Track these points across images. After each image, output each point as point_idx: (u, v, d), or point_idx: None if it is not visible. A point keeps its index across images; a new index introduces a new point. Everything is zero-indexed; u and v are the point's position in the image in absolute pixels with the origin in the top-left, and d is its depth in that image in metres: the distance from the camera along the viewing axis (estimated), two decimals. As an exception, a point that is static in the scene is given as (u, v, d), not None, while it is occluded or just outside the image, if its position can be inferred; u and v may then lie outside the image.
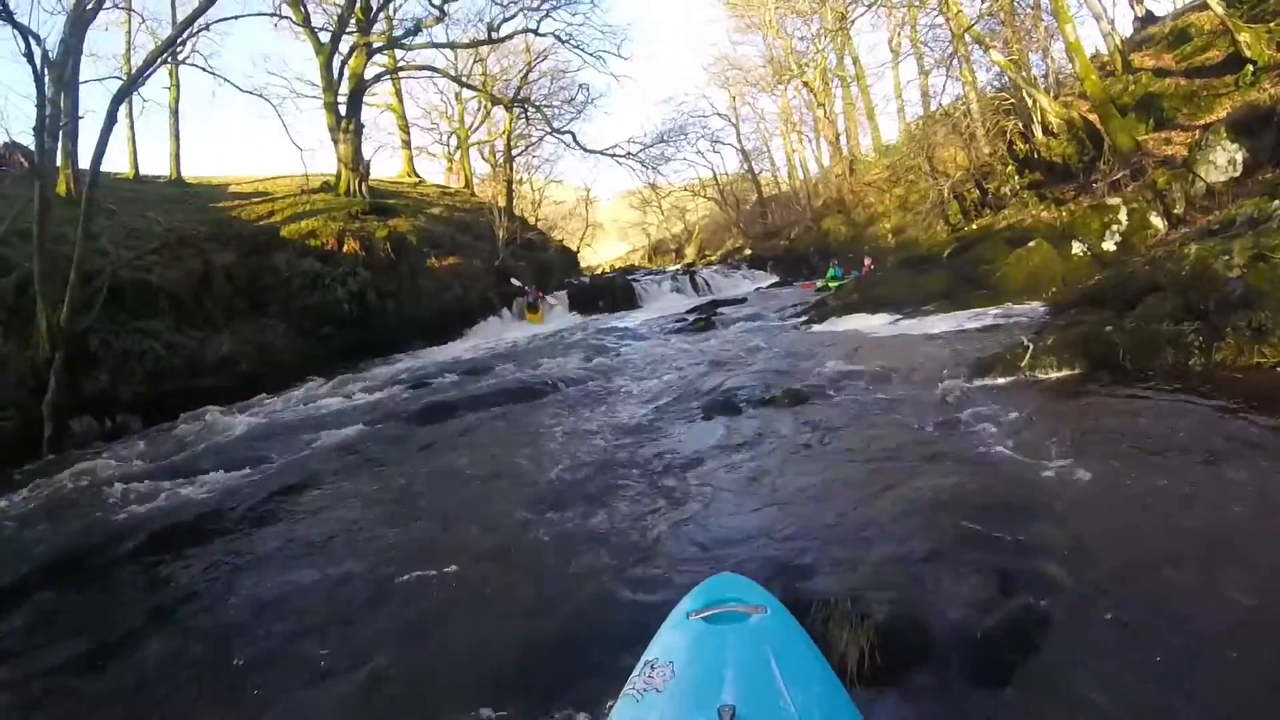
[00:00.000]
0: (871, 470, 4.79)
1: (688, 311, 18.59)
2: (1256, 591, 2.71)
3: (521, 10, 26.02)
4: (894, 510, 4.07)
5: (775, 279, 27.53)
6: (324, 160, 22.11)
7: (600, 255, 53.68)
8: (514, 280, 21.77)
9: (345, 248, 16.69)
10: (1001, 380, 6.32)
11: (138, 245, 12.73)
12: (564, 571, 3.92)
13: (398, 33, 23.56)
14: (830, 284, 19.07)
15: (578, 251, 36.71)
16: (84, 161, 13.60)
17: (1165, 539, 3.27)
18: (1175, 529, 3.33)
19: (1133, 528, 3.41)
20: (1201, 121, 13.30)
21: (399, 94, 30.59)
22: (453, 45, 26.48)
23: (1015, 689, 2.48)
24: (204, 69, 19.46)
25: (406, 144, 31.44)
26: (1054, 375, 6.17)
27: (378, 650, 3.31)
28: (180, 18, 19.25)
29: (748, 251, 36.23)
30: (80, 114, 13.17)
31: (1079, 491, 3.88)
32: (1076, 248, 10.81)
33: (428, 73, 28.15)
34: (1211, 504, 3.48)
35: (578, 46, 27.07)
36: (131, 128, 19.94)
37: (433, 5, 23.80)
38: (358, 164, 19.90)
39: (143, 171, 20.60)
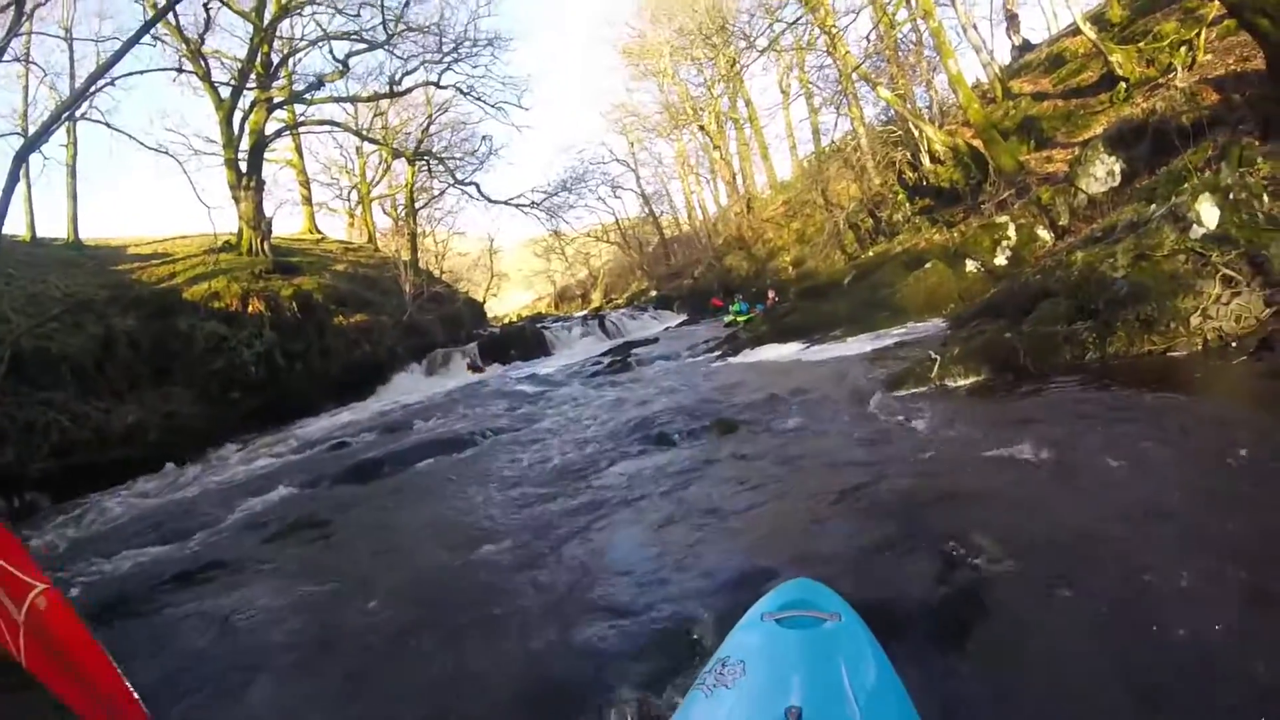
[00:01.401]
0: (811, 480, 5.01)
1: (602, 355, 18.60)
2: (1158, 550, 3.00)
3: (423, 64, 26.23)
4: (840, 510, 4.30)
5: (683, 317, 27.92)
6: (225, 219, 21.56)
7: (506, 305, 53.36)
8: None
9: (250, 308, 16.17)
10: (915, 391, 6.68)
11: (37, 312, 12.15)
12: (519, 617, 3.83)
13: (299, 87, 23.25)
14: (738, 319, 19.47)
15: (484, 302, 36.50)
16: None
17: (1081, 512, 3.54)
18: (1090, 503, 3.63)
19: (1051, 505, 3.71)
20: (1080, 138, 14.27)
21: (299, 149, 30.04)
22: (354, 99, 26.31)
23: (972, 650, 2.70)
24: (105, 125, 18.65)
25: (307, 200, 30.76)
26: (963, 382, 6.58)
27: None
28: (80, 72, 18.75)
29: (654, 292, 36.68)
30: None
31: (1000, 479, 4.18)
32: (970, 265, 11.38)
33: (328, 127, 27.78)
34: (1117, 477, 3.81)
35: (479, 98, 27.33)
36: (28, 187, 18.81)
37: (335, 59, 23.74)
38: (259, 222, 19.43)
39: (39, 233, 19.55)
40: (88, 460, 10.48)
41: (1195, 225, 5.97)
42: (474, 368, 20.96)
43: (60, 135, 19.61)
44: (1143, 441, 4.15)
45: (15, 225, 18.34)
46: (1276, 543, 2.91)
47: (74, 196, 20.53)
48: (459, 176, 31.12)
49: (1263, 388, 4.73)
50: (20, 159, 11.27)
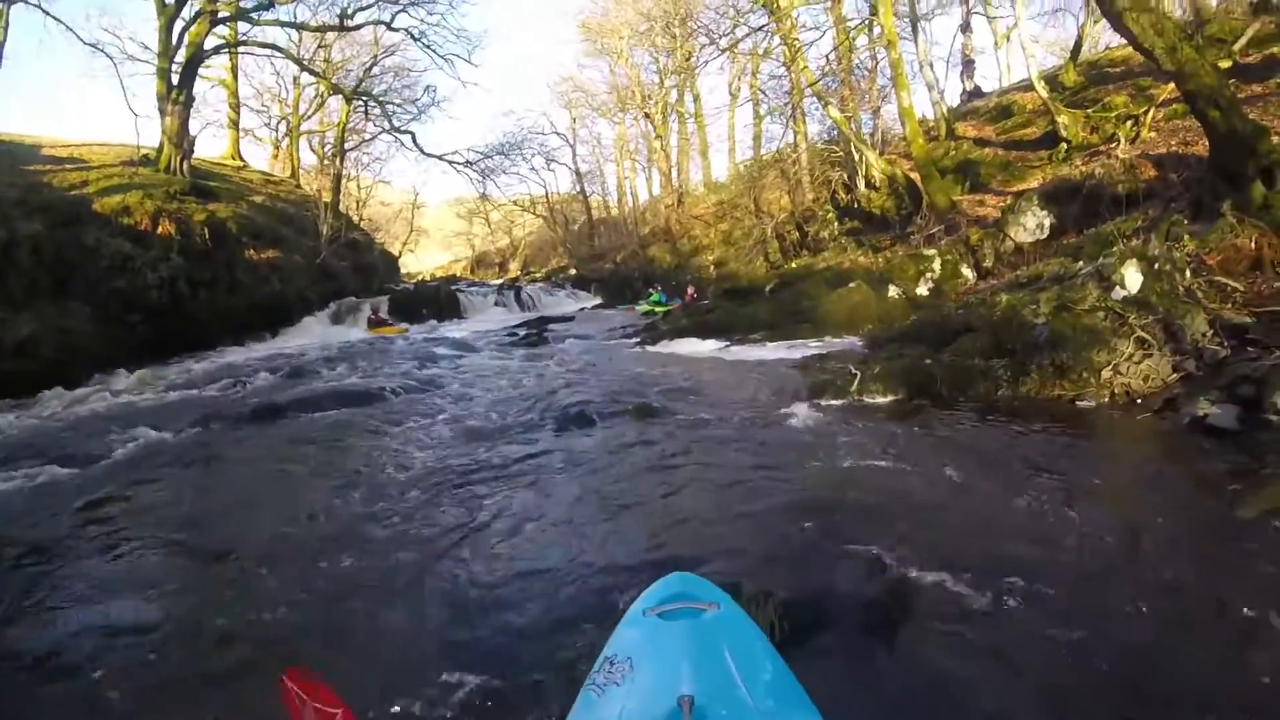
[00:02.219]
0: (731, 476, 5.14)
1: (516, 326, 18.59)
2: (1040, 561, 3.39)
3: (378, 1, 25.36)
4: (760, 509, 4.46)
5: (600, 300, 27.91)
6: (148, 133, 20.29)
7: (423, 263, 52.29)
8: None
9: (160, 229, 15.34)
10: (835, 402, 6.98)
11: (-63, 207, 11.25)
12: (403, 589, 3.80)
13: (247, 4, 21.91)
14: (656, 309, 19.71)
15: (400, 256, 35.75)
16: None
17: (980, 524, 3.99)
18: (988, 517, 4.07)
19: (956, 516, 4.12)
20: (1015, 188, 15.01)
21: (235, 70, 28.67)
22: (301, 26, 25.09)
23: (897, 640, 2.95)
24: (40, 10, 17.42)
25: (235, 124, 29.41)
26: (880, 400, 6.91)
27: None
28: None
29: (573, 271, 36.51)
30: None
31: (912, 492, 4.55)
32: (893, 290, 11.80)
33: (269, 51, 26.41)
34: (1016, 500, 4.20)
35: (429, 46, 26.56)
36: None
37: (290, -20, 22.59)
38: (183, 139, 18.46)
39: None
40: (-25, 372, 9.83)
41: (1118, 287, 6.40)
42: (377, 323, 19.98)
43: None
44: (1042, 475, 4.55)
45: None
46: (1152, 570, 3.33)
47: None
48: (395, 123, 30.33)
49: (1161, 443, 5.14)
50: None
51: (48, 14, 17.41)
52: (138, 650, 3.33)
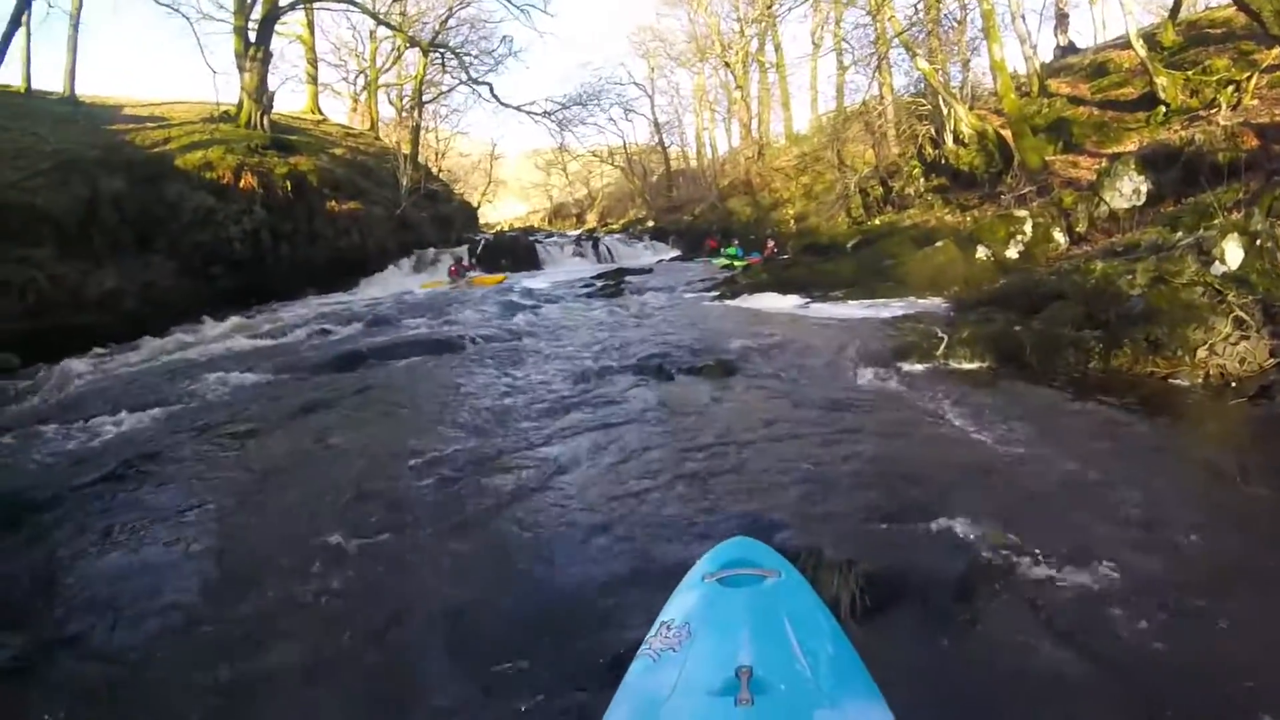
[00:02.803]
0: (807, 439, 5.01)
1: (594, 276, 18.48)
2: (1121, 548, 3.17)
3: (451, -49, 25.05)
4: (844, 475, 4.34)
5: (678, 253, 27.50)
6: (228, 89, 20.58)
7: (500, 213, 52.73)
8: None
9: (242, 183, 15.65)
10: (919, 366, 6.72)
11: (25, 166, 11.67)
12: (504, 536, 3.85)
13: None
14: (734, 263, 19.34)
15: (478, 207, 35.98)
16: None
17: (1063, 505, 3.74)
18: (1072, 498, 3.81)
19: (1038, 494, 3.90)
20: (1109, 151, 14.12)
21: (311, 26, 28.67)
22: (377, -22, 25.09)
23: (980, 616, 2.81)
24: None
25: (313, 79, 29.66)
26: (967, 366, 6.63)
27: (288, 622, 3.13)
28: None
29: (651, 223, 36.23)
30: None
31: (994, 466, 4.32)
32: (981, 251, 11.26)
33: (344, 6, 26.46)
34: (1102, 482, 3.96)
35: (504, -4, 26.32)
36: (28, 36, 17.73)
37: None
38: (261, 95, 18.74)
39: (35, 85, 18.41)
40: (62, 323, 10.22)
41: (1218, 262, 5.93)
42: (462, 271, 20.07)
43: None
44: (1132, 457, 4.33)
45: (11, 75, 17.64)
46: (1236, 565, 3.08)
47: (74, 49, 19.35)
48: (472, 74, 30.23)
49: (1255, 430, 4.80)
50: (23, 4, 10.63)
51: None
52: (220, 589, 3.50)
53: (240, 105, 18.96)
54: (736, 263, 19.27)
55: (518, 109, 30.87)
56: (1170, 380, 5.59)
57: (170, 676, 2.88)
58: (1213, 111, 12.89)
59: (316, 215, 17.73)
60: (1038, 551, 3.15)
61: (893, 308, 10.32)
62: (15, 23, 9.89)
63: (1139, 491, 3.78)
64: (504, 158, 43.20)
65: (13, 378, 8.66)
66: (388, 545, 3.78)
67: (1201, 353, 5.52)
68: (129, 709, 2.77)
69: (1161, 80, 14.52)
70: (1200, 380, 5.45)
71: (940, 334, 7.00)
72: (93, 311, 10.95)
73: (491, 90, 30.16)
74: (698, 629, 1.86)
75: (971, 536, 3.35)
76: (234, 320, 12.56)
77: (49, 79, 20.37)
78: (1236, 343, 5.41)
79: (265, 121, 18.77)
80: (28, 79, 18.23)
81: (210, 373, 8.04)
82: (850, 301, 11.21)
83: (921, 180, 18.22)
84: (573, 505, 4.15)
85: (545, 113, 31.29)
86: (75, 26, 19.51)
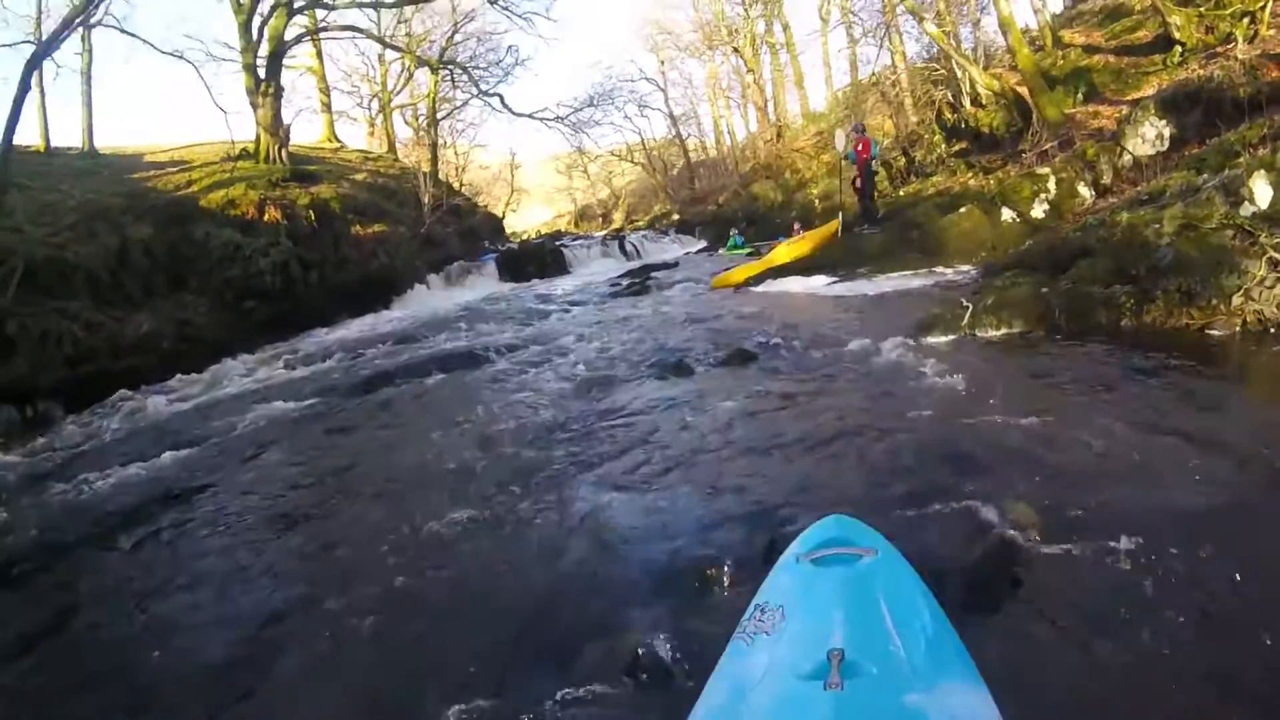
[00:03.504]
0: (834, 421, 4.93)
1: (620, 276, 18.48)
2: (1178, 509, 3.07)
3: (450, -31, 25.23)
4: (866, 456, 4.27)
5: (704, 243, 27.45)
6: (243, 126, 20.85)
7: (526, 221, 52.96)
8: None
9: (266, 217, 15.82)
10: (945, 338, 6.61)
11: (52, 221, 11.94)
12: (539, 547, 3.84)
13: None
14: (735, 251, 19.94)
15: (503, 217, 36.14)
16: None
17: (1107, 472, 3.55)
18: (1115, 464, 3.62)
19: (1080, 464, 3.69)
20: (1129, 97, 13.73)
21: (320, 56, 28.98)
22: (378, 4, 25.17)
23: (1005, 606, 2.70)
24: (119, 30, 18.16)
25: (327, 108, 29.99)
26: (994, 333, 6.50)
27: (341, 647, 3.15)
28: (93, -23, 18.13)
29: (676, 216, 36.22)
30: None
31: (1030, 435, 4.14)
32: (1006, 214, 11.03)
33: (350, 33, 26.48)
34: (1147, 443, 3.78)
35: (505, 7, 26.32)
36: (42, 96, 18.30)
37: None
38: (277, 129, 18.97)
39: (53, 143, 19.00)
40: (101, 369, 10.41)
41: (1247, 202, 5.70)
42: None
43: (74, 43, 18.85)
44: (1175, 417, 4.10)
45: (29, 135, 18.00)
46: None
47: (89, 105, 19.98)
48: (483, 87, 30.33)
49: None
50: (32, 67, 10.89)
51: (125, 32, 17.99)
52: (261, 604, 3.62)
53: (258, 141, 19.18)
54: (737, 251, 19.76)
55: (530, 116, 30.91)
56: (1207, 331, 5.41)
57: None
58: (1230, 46, 12.46)
59: (342, 241, 17.85)
60: (1080, 525, 3.03)
61: (920, 279, 10.20)
62: (25, 86, 10.12)
63: (1179, 450, 3.62)
64: (524, 166, 43.33)
65: (57, 427, 8.86)
66: (453, 548, 3.89)
67: (1237, 299, 5.32)
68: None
69: (1175, 19, 14.01)
70: (1238, 328, 5.26)
71: (965, 303, 6.84)
72: (131, 355, 11.12)
73: (503, 101, 30.26)
74: (791, 611, 1.83)
75: (1003, 515, 3.20)
76: (270, 350, 12.74)
77: (67, 135, 20.82)
78: (1272, 286, 5.18)
79: (284, 154, 18.98)
80: (46, 137, 18.70)
81: (249, 403, 8.22)
82: (877, 277, 11.03)
83: (943, 146, 17.97)
84: (597, 503, 4.17)
85: (558, 118, 31.31)
86: (88, 82, 20.03)
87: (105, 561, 4.57)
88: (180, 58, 18.28)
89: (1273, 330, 5.09)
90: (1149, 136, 10.83)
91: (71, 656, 3.45)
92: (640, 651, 2.69)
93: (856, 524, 2.21)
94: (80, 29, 17.16)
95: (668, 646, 2.70)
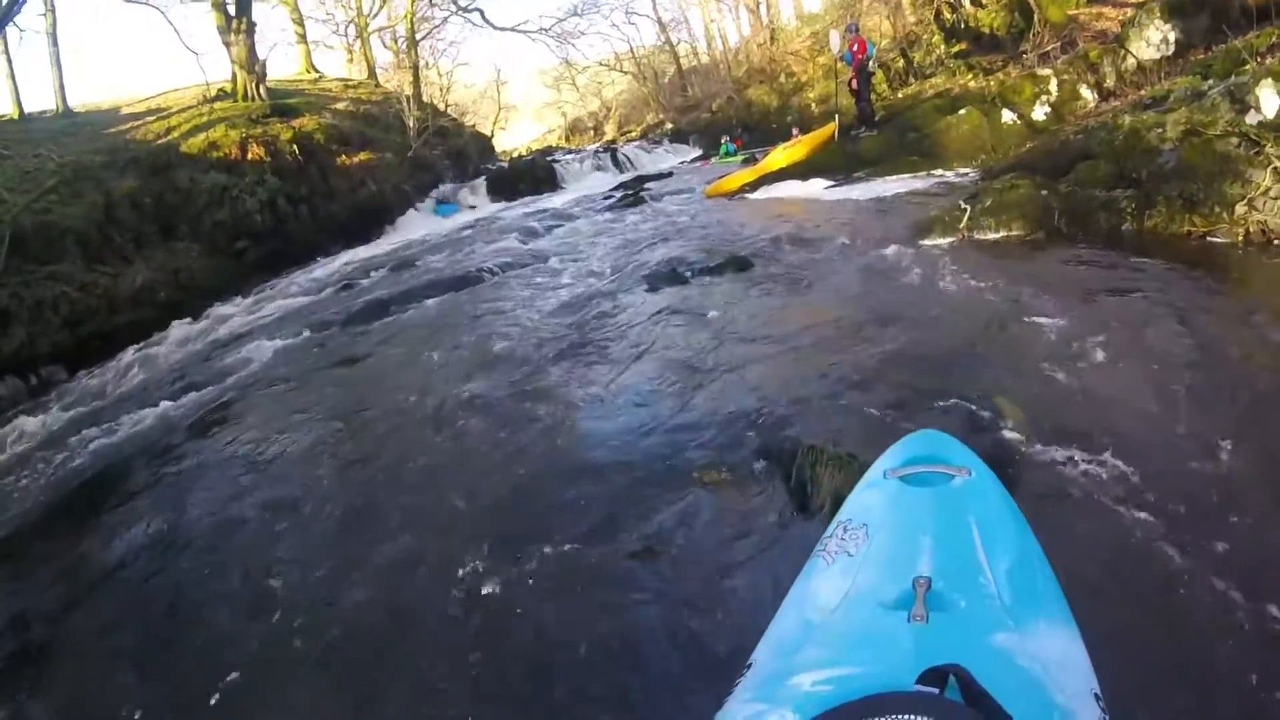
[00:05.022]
0: (827, 328, 4.99)
1: (614, 189, 18.24)
2: (1166, 415, 3.16)
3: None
4: (858, 361, 4.31)
5: (699, 151, 27.01)
6: (217, 67, 20.19)
7: (516, 139, 51.97)
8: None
9: (250, 156, 15.59)
10: (942, 241, 6.61)
11: (34, 187, 11.78)
12: (537, 453, 3.95)
13: None
14: (728, 158, 19.80)
15: (492, 136, 35.48)
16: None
17: (1107, 379, 3.61)
18: (1116, 370, 3.69)
19: (1079, 370, 3.74)
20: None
21: (291, -15, 28.19)
22: (348, -77, 24.29)
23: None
24: None
25: (302, 39, 28.79)
26: (992, 236, 6.49)
27: (347, 579, 3.23)
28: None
29: (669, 126, 35.47)
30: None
31: (1027, 340, 4.20)
32: (1007, 116, 10.80)
33: None
34: (1140, 349, 3.84)
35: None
36: (10, 63, 17.94)
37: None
38: (253, 65, 18.40)
39: (27, 108, 18.52)
40: (101, 328, 10.45)
41: (1253, 110, 5.52)
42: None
43: (36, 4, 18.52)
44: (1172, 324, 4.10)
45: (2, 104, 17.83)
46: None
47: (58, 65, 19.34)
48: (462, 3, 29.44)
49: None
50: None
51: None
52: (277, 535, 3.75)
53: (234, 79, 18.67)
54: (730, 158, 19.64)
55: (513, 30, 30.10)
56: (1209, 239, 5.35)
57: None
58: (1240, -52, 11.92)
59: (329, 173, 17.61)
60: (1066, 428, 3.08)
61: (919, 182, 10.09)
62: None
63: (1183, 360, 3.64)
64: (510, 82, 42.48)
65: (63, 390, 8.92)
66: (461, 463, 4.02)
67: (1240, 208, 5.23)
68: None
69: (1183, -83, 13.47)
70: (1240, 238, 5.19)
71: (963, 205, 6.77)
72: (129, 309, 11.12)
73: (483, 15, 29.44)
74: (875, 531, 1.71)
75: (1000, 424, 3.26)
76: (266, 289, 12.74)
77: (40, 99, 20.30)
78: (1277, 196, 5.09)
79: (262, 90, 18.50)
80: (18, 103, 18.25)
81: (250, 342, 8.26)
82: (875, 180, 10.93)
83: (942, 47, 17.38)
84: (578, 425, 4.25)
85: (542, 29, 30.51)
86: (55, 43, 19.40)
87: (119, 514, 4.61)
88: (145, 3, 17.71)
89: (1276, 241, 5.01)
90: (1154, 40, 10.48)
91: (95, 611, 3.54)
92: (638, 548, 2.86)
93: (951, 440, 2.07)
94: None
95: (654, 543, 2.87)
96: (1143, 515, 2.55)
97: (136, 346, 9.87)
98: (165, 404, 6.61)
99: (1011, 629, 1.39)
